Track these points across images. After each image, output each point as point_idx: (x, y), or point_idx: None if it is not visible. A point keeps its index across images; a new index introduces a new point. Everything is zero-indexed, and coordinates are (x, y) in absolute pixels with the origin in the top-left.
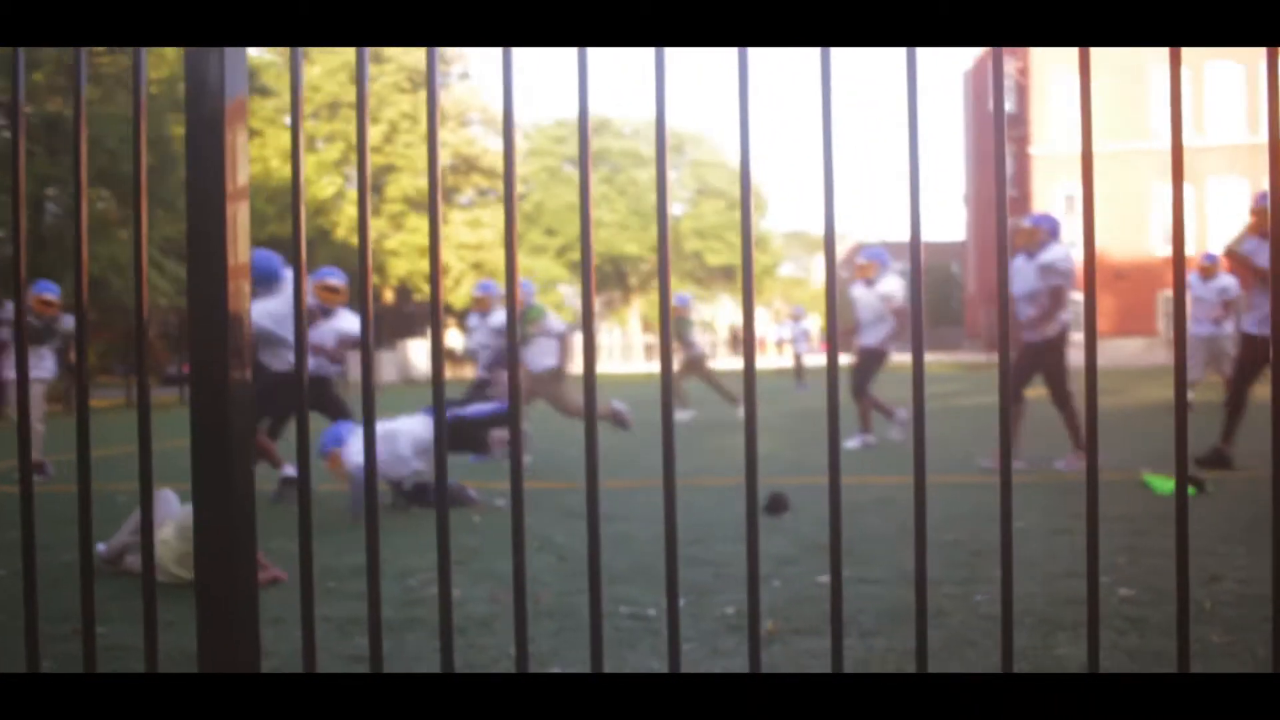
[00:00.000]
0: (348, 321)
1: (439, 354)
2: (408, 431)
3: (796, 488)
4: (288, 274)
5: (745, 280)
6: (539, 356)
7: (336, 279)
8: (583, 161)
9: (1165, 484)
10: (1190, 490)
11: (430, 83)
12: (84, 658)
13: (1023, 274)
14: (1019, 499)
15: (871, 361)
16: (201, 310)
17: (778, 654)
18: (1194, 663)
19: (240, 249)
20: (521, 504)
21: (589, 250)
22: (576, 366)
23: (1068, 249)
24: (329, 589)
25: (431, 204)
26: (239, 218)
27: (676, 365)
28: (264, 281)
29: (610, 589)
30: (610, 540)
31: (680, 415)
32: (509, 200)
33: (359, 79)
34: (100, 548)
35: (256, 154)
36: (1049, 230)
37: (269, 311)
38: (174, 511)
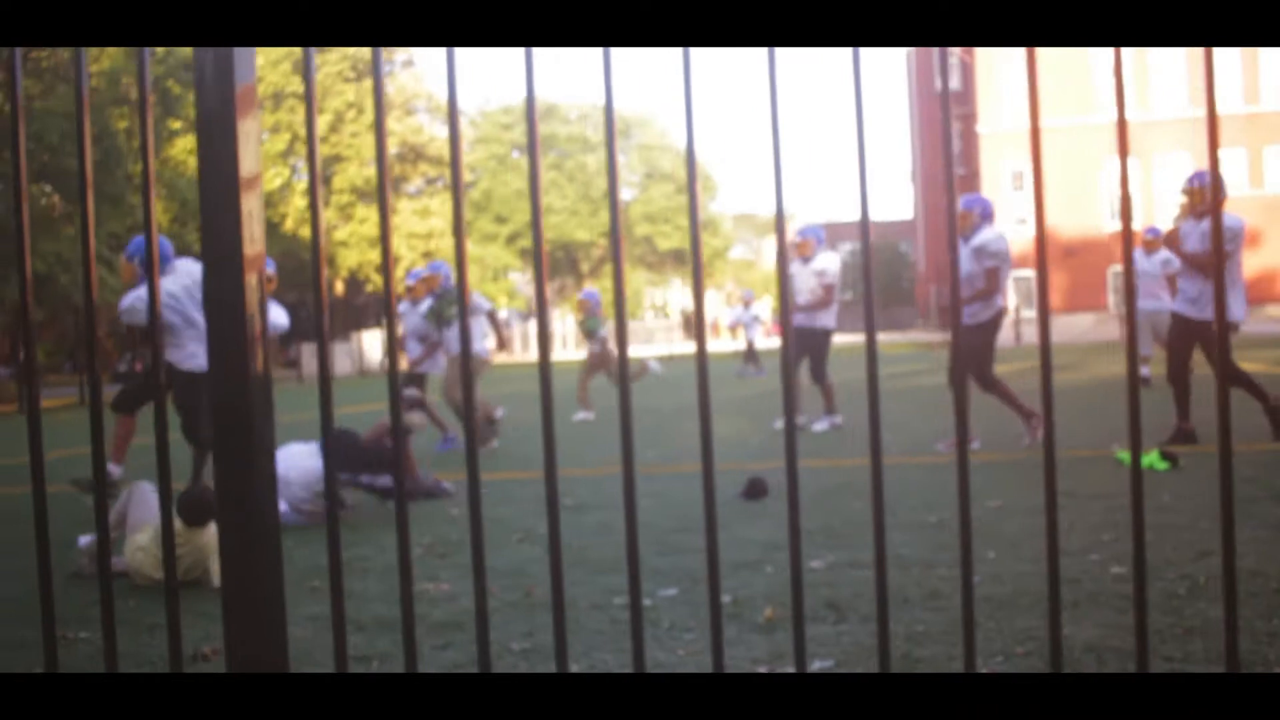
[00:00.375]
0: (275, 313)
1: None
2: (299, 479)
3: (772, 472)
4: (180, 262)
5: (780, 274)
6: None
7: (266, 267)
8: (611, 167)
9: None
10: (1164, 465)
11: (450, 88)
12: (105, 656)
13: (959, 258)
14: (990, 478)
15: (821, 344)
16: (218, 302)
17: (782, 641)
18: (1197, 639)
19: (255, 239)
20: (558, 511)
21: (620, 258)
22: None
23: (1000, 231)
24: (314, 588)
25: (456, 219)
26: (252, 207)
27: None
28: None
29: (599, 579)
30: (591, 529)
31: (583, 416)
32: (535, 212)
33: (375, 80)
34: (82, 541)
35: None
36: (980, 213)
37: (167, 292)
38: (152, 511)
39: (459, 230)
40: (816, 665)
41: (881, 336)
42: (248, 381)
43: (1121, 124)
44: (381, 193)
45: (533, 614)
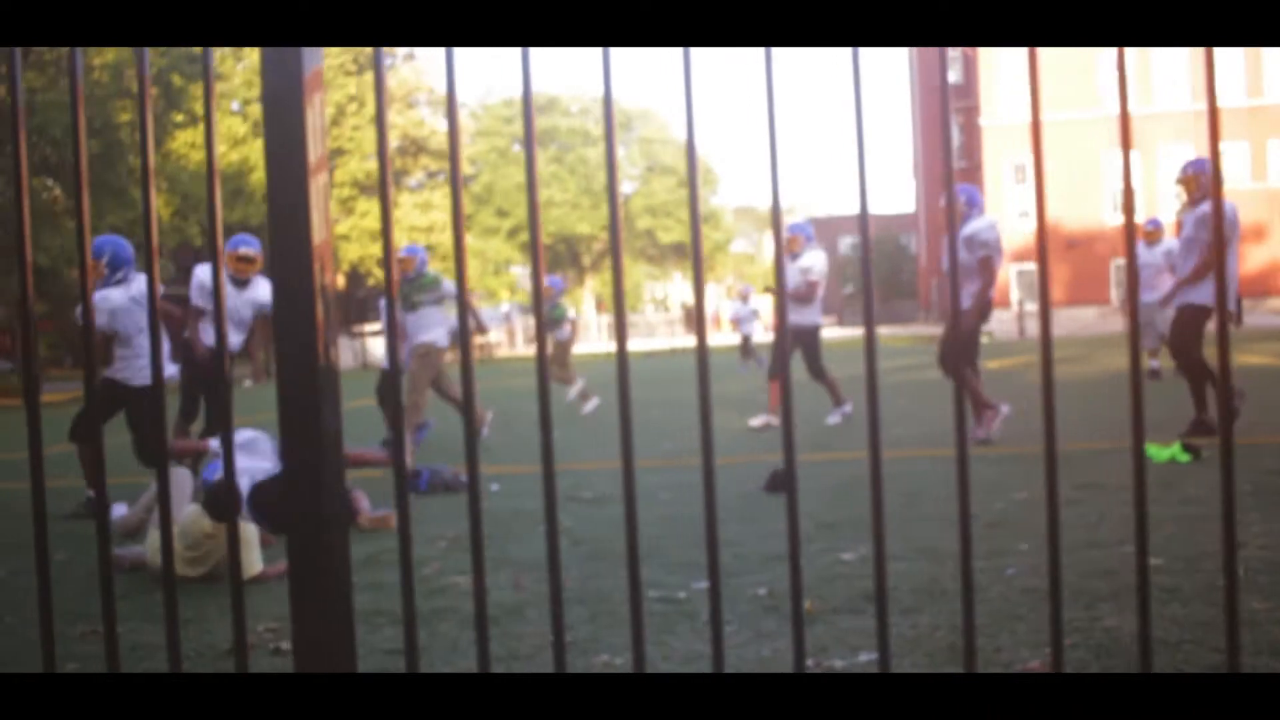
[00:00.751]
0: (265, 291)
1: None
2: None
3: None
4: (142, 276)
5: (865, 274)
6: (420, 330)
7: (250, 247)
8: (691, 172)
9: (1160, 452)
10: (1186, 458)
11: (525, 88)
12: (169, 659)
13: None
14: (1013, 470)
15: (811, 341)
16: (287, 288)
17: (823, 634)
18: (1245, 630)
19: (322, 225)
20: (635, 510)
21: (700, 257)
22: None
23: (991, 219)
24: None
25: (532, 241)
26: (320, 192)
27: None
28: (114, 268)
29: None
30: (614, 521)
31: (590, 406)
32: (614, 203)
33: (448, 83)
34: (116, 511)
35: (201, 140)
36: (967, 202)
37: (130, 297)
38: (183, 504)
39: (535, 238)
40: (863, 657)
41: (882, 330)
42: (315, 369)
43: (1213, 114)
44: (456, 213)
45: (568, 607)
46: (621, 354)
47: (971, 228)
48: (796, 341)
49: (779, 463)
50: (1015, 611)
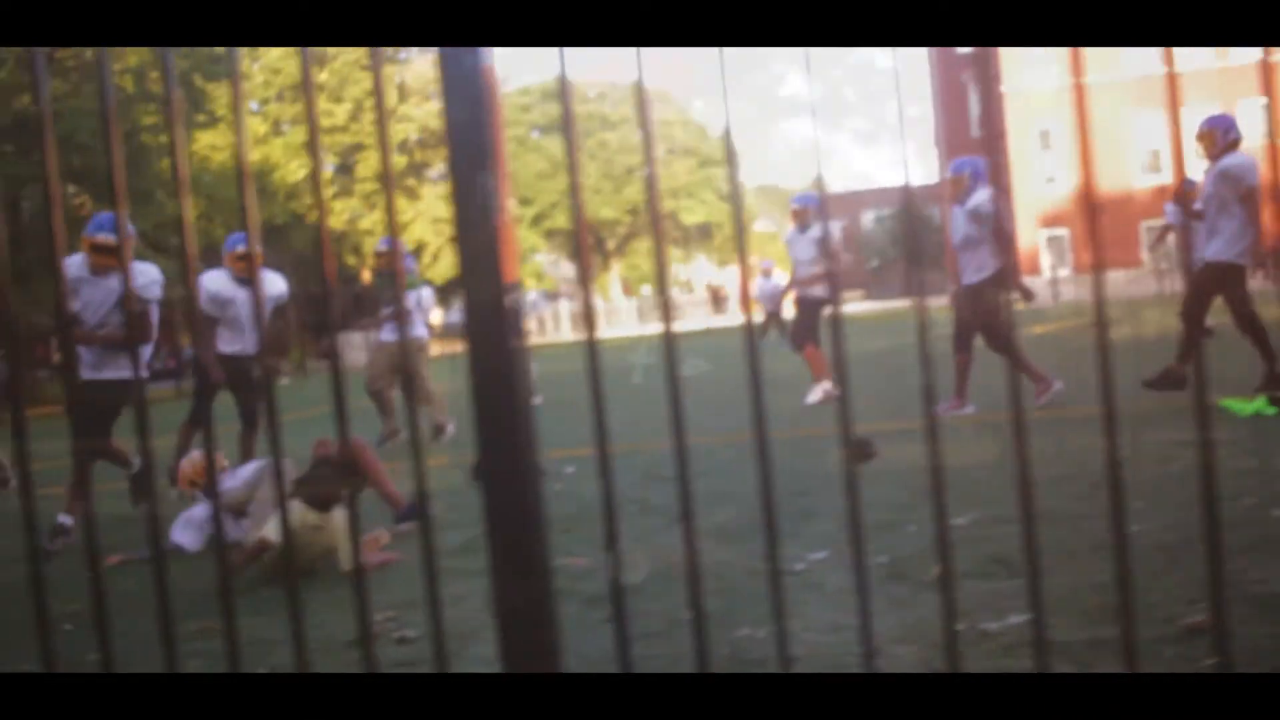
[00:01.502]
0: (274, 285)
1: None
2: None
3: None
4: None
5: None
6: (384, 331)
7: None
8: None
9: (1244, 406)
10: (1272, 409)
11: (735, 93)
12: (366, 660)
13: (957, 222)
14: (1089, 434)
15: (809, 312)
16: (475, 272)
17: (962, 599)
18: None
19: (505, 205)
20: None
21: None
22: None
23: (990, 191)
24: (442, 568)
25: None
26: (503, 170)
27: None
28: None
29: (740, 546)
30: (712, 498)
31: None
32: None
33: (584, 88)
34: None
35: (223, 141)
36: (971, 175)
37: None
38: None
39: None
40: (1014, 619)
41: (909, 303)
42: (506, 345)
43: None
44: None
45: (687, 583)
46: (592, 348)
47: (974, 201)
48: (800, 309)
49: (856, 432)
50: (1153, 568)
